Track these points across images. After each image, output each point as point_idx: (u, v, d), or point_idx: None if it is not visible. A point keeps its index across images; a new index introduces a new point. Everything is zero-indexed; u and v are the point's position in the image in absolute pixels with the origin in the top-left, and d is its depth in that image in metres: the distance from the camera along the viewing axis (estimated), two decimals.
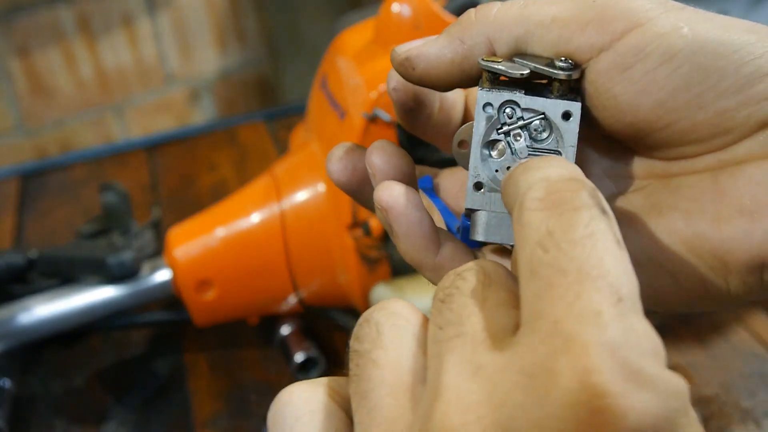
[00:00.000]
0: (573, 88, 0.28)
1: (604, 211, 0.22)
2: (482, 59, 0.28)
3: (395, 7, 0.58)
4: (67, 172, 0.99)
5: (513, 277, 0.24)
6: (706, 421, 0.58)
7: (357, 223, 0.59)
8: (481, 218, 0.29)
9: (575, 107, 0.27)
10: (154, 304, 0.68)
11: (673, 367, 0.64)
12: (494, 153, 0.29)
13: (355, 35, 0.63)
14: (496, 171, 0.28)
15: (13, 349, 0.63)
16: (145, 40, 1.85)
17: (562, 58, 0.28)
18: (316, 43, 1.97)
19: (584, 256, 0.21)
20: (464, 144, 0.30)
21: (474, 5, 0.62)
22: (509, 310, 0.23)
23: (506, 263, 0.31)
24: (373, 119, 0.56)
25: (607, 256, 0.21)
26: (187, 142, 1.02)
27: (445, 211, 0.33)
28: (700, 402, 0.60)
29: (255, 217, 0.62)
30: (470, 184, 0.29)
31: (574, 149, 0.28)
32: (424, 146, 0.58)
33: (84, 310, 0.64)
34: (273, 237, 0.62)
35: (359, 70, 0.58)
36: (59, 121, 1.80)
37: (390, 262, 0.60)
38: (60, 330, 0.64)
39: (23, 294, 0.65)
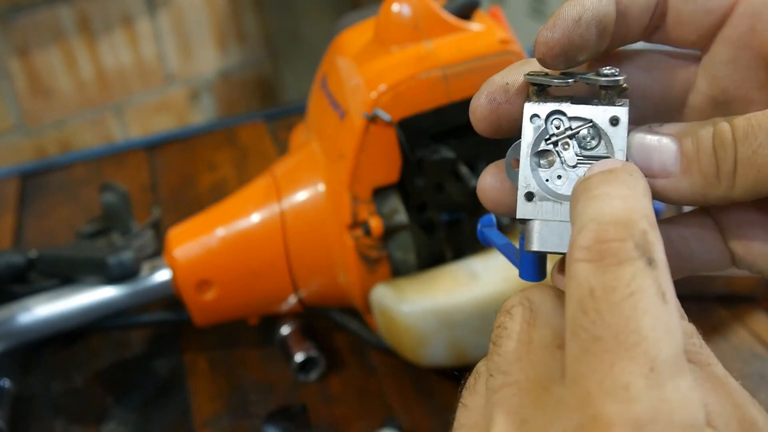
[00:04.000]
0: (620, 95, 0.28)
1: (650, 262, 0.22)
2: (528, 73, 0.29)
3: (395, 7, 0.58)
4: (67, 172, 0.99)
5: (561, 310, 0.25)
6: None
7: (357, 223, 0.59)
8: (535, 227, 0.29)
9: (622, 112, 0.28)
10: (154, 304, 0.68)
11: None
12: (544, 162, 0.29)
13: (355, 35, 0.63)
14: (546, 180, 0.29)
15: (13, 349, 0.63)
16: (145, 40, 1.85)
17: (608, 67, 0.28)
18: (316, 43, 1.97)
19: (621, 322, 0.21)
20: (516, 163, 0.30)
21: (474, 5, 0.62)
22: (554, 352, 0.24)
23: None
24: (373, 119, 0.56)
25: (647, 318, 0.21)
26: (186, 142, 1.02)
27: (508, 248, 0.33)
28: None
29: (255, 217, 0.62)
30: (521, 194, 0.29)
31: (624, 153, 0.28)
32: (424, 147, 0.58)
33: (84, 310, 0.64)
34: (273, 237, 0.62)
35: (359, 70, 0.58)
36: (59, 121, 1.80)
37: (390, 262, 0.60)
38: (60, 330, 0.64)
39: (23, 294, 0.65)
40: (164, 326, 0.72)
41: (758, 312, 0.67)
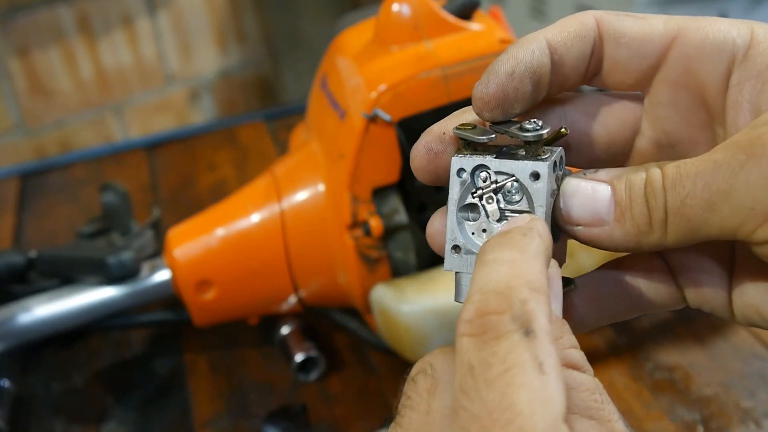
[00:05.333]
0: (555, 141, 0.29)
1: (528, 333, 0.23)
2: (455, 127, 0.29)
3: (395, 7, 0.58)
4: (67, 172, 0.99)
5: None
6: (706, 421, 0.58)
7: (357, 223, 0.59)
8: (461, 280, 0.30)
9: (543, 167, 0.28)
10: (154, 304, 0.68)
11: (673, 367, 0.65)
12: (472, 215, 0.29)
13: (355, 35, 0.63)
14: (472, 233, 0.29)
15: (13, 349, 0.63)
16: (145, 40, 1.85)
17: (533, 120, 0.28)
18: (316, 43, 1.97)
19: (497, 399, 0.22)
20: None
21: (474, 5, 0.62)
22: (453, 424, 0.24)
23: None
24: (373, 119, 0.56)
25: (522, 391, 0.22)
26: (186, 142, 1.02)
27: None
28: (700, 402, 0.60)
29: (255, 217, 0.62)
30: (447, 247, 0.30)
31: (544, 208, 0.28)
32: None
33: (84, 310, 0.64)
34: (273, 237, 0.62)
35: (359, 70, 0.58)
36: (59, 121, 1.80)
37: (390, 262, 0.60)
38: (60, 330, 0.64)
39: (23, 294, 0.65)
40: (164, 326, 0.72)
41: None
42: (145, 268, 0.65)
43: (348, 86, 0.59)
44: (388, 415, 0.61)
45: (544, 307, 0.24)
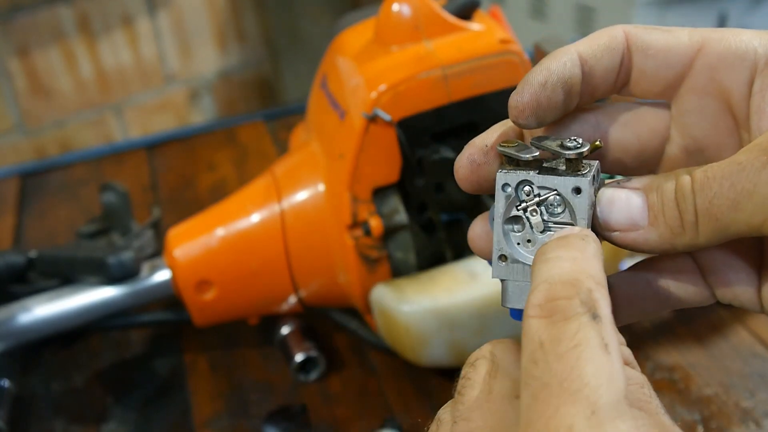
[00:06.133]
0: (591, 153, 0.30)
1: (594, 317, 0.25)
2: (500, 144, 0.31)
3: (395, 7, 0.58)
4: (67, 172, 0.99)
5: (520, 363, 0.27)
6: (706, 421, 0.58)
7: (357, 223, 0.59)
8: (508, 287, 0.32)
9: (584, 182, 0.30)
10: (154, 304, 0.68)
11: (673, 367, 0.64)
12: (517, 227, 0.31)
13: (355, 35, 0.63)
14: (518, 244, 0.31)
15: (13, 349, 0.63)
16: (145, 40, 1.85)
17: (573, 137, 0.30)
18: (316, 43, 1.97)
19: (566, 370, 0.24)
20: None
21: (474, 5, 0.62)
22: (512, 401, 0.27)
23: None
24: (373, 119, 0.56)
25: (589, 366, 0.24)
26: (186, 142, 1.02)
27: None
28: (700, 402, 0.60)
29: (255, 217, 0.62)
30: (495, 256, 0.31)
31: (586, 221, 0.30)
32: (424, 147, 0.58)
33: (84, 310, 0.64)
34: (273, 237, 0.62)
35: (359, 70, 0.58)
36: (59, 121, 1.80)
37: (390, 262, 0.60)
38: (60, 330, 0.64)
39: (23, 294, 0.65)
40: (164, 326, 0.72)
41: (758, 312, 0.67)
42: (145, 268, 0.65)
43: (348, 86, 0.59)
44: (388, 415, 0.61)
45: (607, 299, 0.26)
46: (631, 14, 1.51)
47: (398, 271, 0.61)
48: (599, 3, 1.60)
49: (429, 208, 0.61)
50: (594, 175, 0.30)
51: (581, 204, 0.30)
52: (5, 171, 1.00)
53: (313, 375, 0.65)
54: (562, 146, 0.30)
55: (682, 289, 0.32)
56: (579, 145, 0.30)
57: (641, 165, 0.33)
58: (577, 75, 0.31)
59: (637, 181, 0.30)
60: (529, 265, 0.30)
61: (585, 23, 1.65)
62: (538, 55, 0.66)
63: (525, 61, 0.58)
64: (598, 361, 0.24)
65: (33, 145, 1.78)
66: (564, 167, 0.30)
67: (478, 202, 0.60)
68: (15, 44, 1.68)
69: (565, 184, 0.30)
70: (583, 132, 0.32)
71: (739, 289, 0.31)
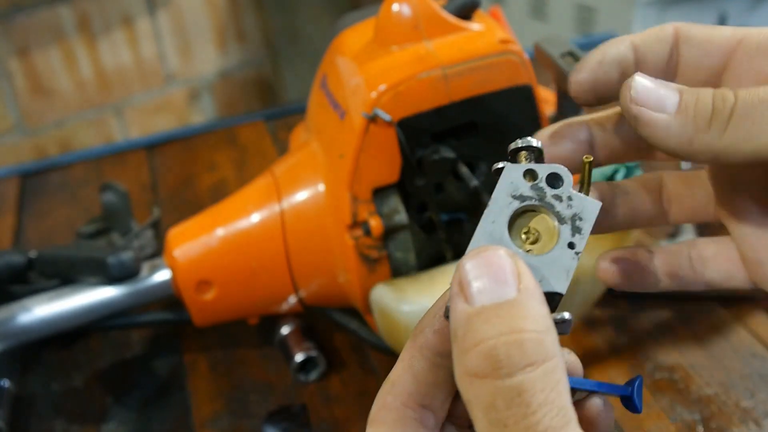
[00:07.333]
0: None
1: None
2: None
3: (395, 7, 0.58)
4: (67, 172, 0.99)
5: None
6: (706, 421, 0.58)
7: (357, 223, 0.59)
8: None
9: (505, 164, 0.30)
10: (154, 304, 0.68)
11: (673, 367, 0.64)
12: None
13: (355, 35, 0.63)
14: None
15: (13, 349, 0.63)
16: (145, 40, 1.85)
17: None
18: (316, 43, 1.97)
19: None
20: None
21: (474, 5, 0.62)
22: None
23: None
24: (373, 119, 0.56)
25: None
26: (186, 142, 1.02)
27: (602, 386, 0.32)
28: (700, 402, 0.60)
29: (255, 217, 0.62)
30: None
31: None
32: (424, 147, 0.58)
33: (84, 310, 0.64)
34: (273, 237, 0.62)
35: (359, 70, 0.58)
36: (59, 121, 1.80)
37: (390, 262, 0.60)
38: (60, 330, 0.64)
39: (23, 294, 0.65)
40: (164, 326, 0.72)
41: (758, 312, 0.67)
42: (145, 268, 0.65)
43: (348, 86, 0.59)
44: None
45: None
46: (631, 14, 1.51)
47: (398, 271, 0.61)
48: (599, 3, 1.60)
49: (429, 208, 0.61)
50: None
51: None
52: (5, 171, 1.00)
53: (313, 375, 0.65)
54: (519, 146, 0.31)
55: (721, 269, 0.34)
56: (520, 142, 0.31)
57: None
58: (630, 58, 0.33)
59: (674, 84, 0.31)
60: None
61: (585, 23, 1.65)
62: (538, 55, 0.66)
63: (525, 61, 0.58)
64: None
65: (33, 145, 1.78)
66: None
67: (479, 202, 0.60)
68: (15, 44, 1.68)
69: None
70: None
71: None
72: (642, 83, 0.31)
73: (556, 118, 0.66)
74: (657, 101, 0.30)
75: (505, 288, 0.26)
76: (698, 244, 0.35)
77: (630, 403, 0.31)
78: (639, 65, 0.33)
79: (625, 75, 0.33)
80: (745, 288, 0.34)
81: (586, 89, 0.33)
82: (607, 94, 0.33)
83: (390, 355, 0.64)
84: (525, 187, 0.30)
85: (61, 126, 1.80)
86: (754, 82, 0.32)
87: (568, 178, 0.30)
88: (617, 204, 0.35)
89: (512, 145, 0.31)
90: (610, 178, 0.63)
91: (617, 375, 0.62)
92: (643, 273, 0.35)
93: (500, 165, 0.30)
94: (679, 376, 0.62)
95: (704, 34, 0.33)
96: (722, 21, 1.48)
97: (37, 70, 1.73)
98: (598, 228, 0.32)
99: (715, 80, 0.34)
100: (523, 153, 0.31)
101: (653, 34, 0.34)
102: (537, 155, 0.31)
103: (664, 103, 0.30)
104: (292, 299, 0.64)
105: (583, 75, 0.33)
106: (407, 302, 0.58)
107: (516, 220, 0.30)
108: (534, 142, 0.31)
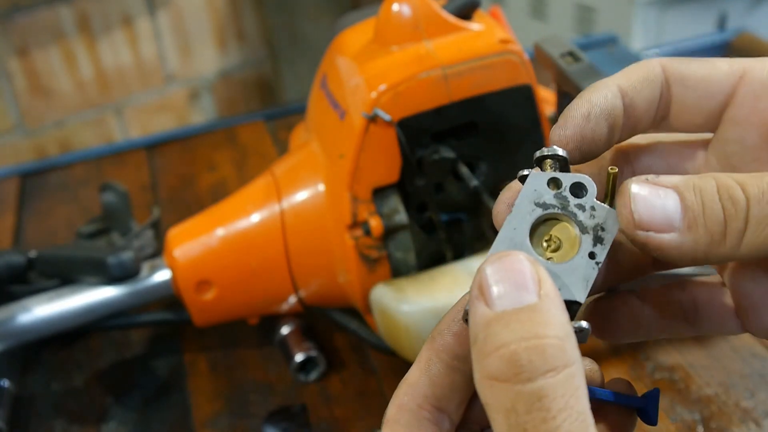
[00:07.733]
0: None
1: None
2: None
3: (395, 7, 0.58)
4: (67, 172, 0.99)
5: None
6: (706, 421, 0.58)
7: (357, 223, 0.59)
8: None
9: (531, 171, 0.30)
10: (154, 304, 0.68)
11: (673, 367, 0.64)
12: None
13: (355, 35, 0.63)
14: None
15: (13, 349, 0.63)
16: (145, 40, 1.85)
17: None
18: (316, 43, 1.98)
19: None
20: None
21: (474, 5, 0.62)
22: None
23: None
24: (373, 119, 0.56)
25: None
26: (186, 142, 1.02)
27: (620, 397, 0.32)
28: (700, 402, 0.60)
29: (255, 217, 0.62)
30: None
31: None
32: (424, 147, 0.58)
33: (84, 310, 0.64)
34: (273, 237, 0.62)
35: (359, 70, 0.58)
36: (59, 121, 1.80)
37: (390, 262, 0.60)
38: (60, 330, 0.64)
39: (23, 294, 0.65)
40: (164, 326, 0.72)
41: None
42: (145, 268, 0.65)
43: (348, 86, 0.59)
44: None
45: None
46: (631, 14, 1.51)
47: (398, 271, 0.61)
48: (599, 3, 1.60)
49: (429, 208, 0.61)
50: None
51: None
52: (5, 171, 1.00)
53: (313, 375, 0.65)
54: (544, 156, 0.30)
55: (714, 316, 0.32)
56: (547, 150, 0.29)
57: None
58: (618, 107, 0.30)
59: (667, 179, 0.27)
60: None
61: (585, 23, 1.65)
62: (538, 55, 0.66)
63: (525, 61, 0.58)
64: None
65: (33, 145, 1.78)
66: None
67: (479, 203, 0.60)
68: (15, 44, 1.68)
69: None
70: (625, 170, 0.32)
71: None
72: (641, 198, 0.27)
73: (556, 118, 0.66)
74: (662, 220, 0.27)
75: (525, 293, 0.25)
76: (691, 289, 0.32)
77: (645, 415, 0.30)
78: (628, 115, 0.30)
79: (614, 128, 0.30)
80: (737, 334, 0.32)
81: (572, 147, 0.29)
82: (595, 151, 0.30)
83: (390, 355, 0.64)
84: (548, 195, 0.29)
85: (61, 126, 1.80)
86: (760, 126, 0.30)
87: (593, 188, 0.29)
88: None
89: (538, 153, 0.30)
90: None
91: (617, 375, 0.62)
92: (634, 323, 0.32)
93: (525, 172, 0.30)
94: (679, 376, 0.62)
95: (699, 72, 0.30)
96: (722, 21, 1.48)
97: (37, 70, 1.73)
98: (597, 288, 0.30)
99: (713, 123, 0.31)
100: (548, 161, 0.30)
101: (640, 75, 0.30)
102: (562, 164, 0.30)
103: (670, 220, 0.27)
104: (292, 299, 0.64)
105: (568, 132, 0.29)
106: (407, 302, 0.58)
107: (538, 227, 0.29)
108: (560, 151, 0.29)
